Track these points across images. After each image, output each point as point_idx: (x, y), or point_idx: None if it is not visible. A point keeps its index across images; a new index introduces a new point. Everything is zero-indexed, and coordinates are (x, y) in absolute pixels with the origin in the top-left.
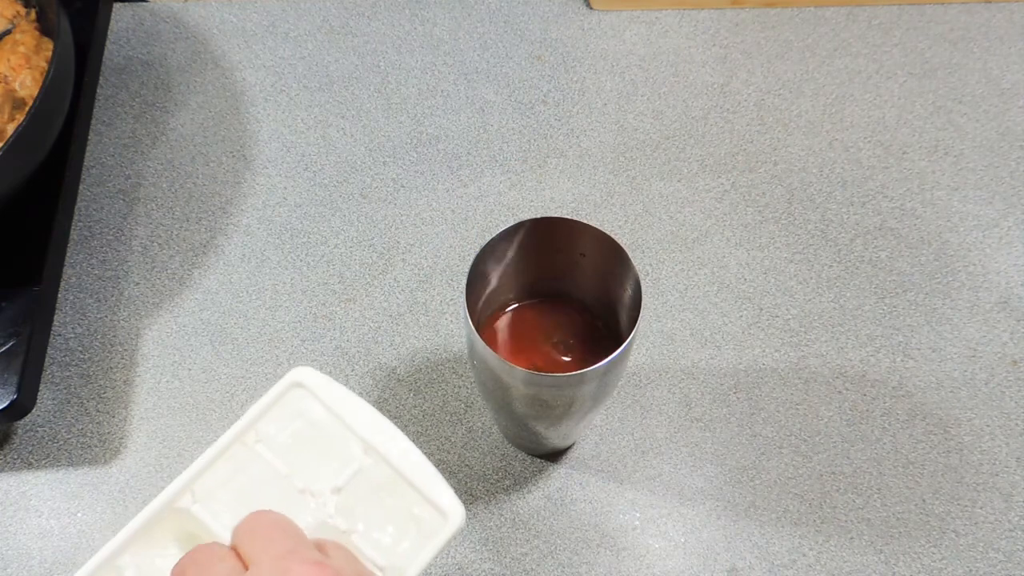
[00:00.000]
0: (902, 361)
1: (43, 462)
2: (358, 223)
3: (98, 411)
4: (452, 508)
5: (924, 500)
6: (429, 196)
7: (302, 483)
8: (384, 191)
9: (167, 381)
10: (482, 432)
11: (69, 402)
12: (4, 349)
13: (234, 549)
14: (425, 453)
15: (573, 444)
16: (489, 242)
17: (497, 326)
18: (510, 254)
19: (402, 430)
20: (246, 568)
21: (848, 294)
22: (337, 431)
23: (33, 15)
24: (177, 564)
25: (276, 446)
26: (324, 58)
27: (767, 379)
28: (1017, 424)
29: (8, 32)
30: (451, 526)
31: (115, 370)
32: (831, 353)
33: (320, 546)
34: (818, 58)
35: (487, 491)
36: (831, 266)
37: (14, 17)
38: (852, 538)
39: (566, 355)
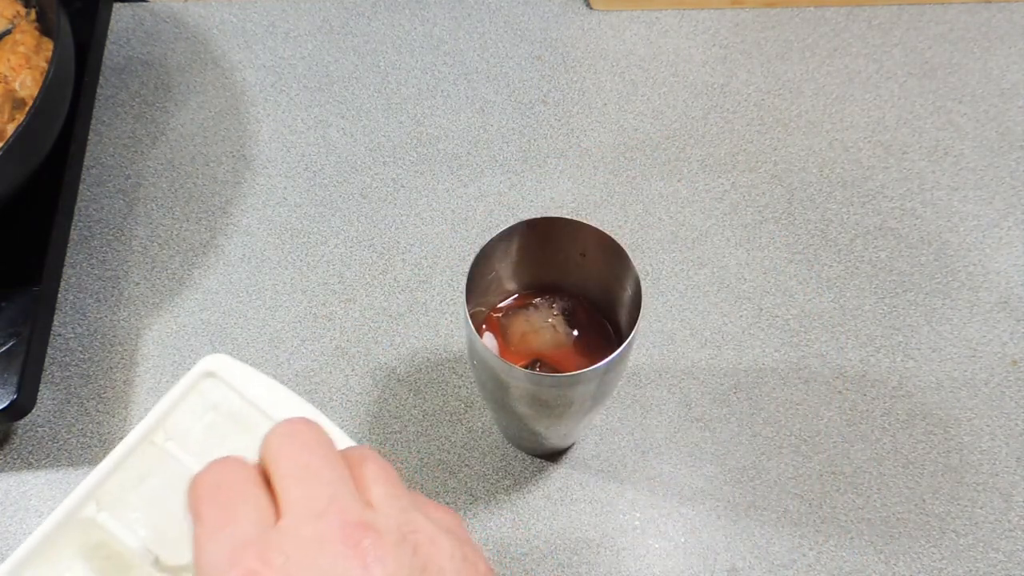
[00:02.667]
0: (902, 361)
1: (43, 462)
2: (358, 223)
3: (98, 411)
4: None
5: (924, 500)
6: (429, 196)
7: None
8: (384, 191)
9: (167, 381)
10: (482, 432)
11: (69, 402)
12: (4, 349)
13: (262, 471)
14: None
15: (573, 444)
16: (489, 242)
17: (497, 326)
18: (510, 254)
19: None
20: (276, 515)
21: (848, 294)
22: (255, 421)
23: (33, 15)
24: (196, 483)
25: (189, 443)
26: (324, 58)
27: (767, 379)
28: (1017, 424)
29: (8, 32)
30: None
31: (115, 370)
32: (831, 353)
33: (358, 461)
34: (818, 58)
35: (487, 491)
36: (831, 266)
37: (14, 17)
38: (852, 538)
39: (566, 355)
